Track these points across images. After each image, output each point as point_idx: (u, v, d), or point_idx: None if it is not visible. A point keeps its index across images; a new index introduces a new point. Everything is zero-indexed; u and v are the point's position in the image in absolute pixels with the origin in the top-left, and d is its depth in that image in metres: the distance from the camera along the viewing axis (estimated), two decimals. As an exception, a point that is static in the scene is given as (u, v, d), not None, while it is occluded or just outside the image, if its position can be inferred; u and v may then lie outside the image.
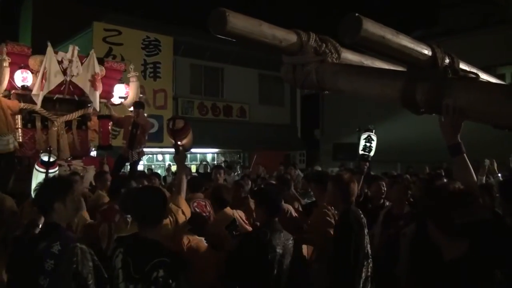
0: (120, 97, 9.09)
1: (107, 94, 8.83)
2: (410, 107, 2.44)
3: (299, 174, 12.32)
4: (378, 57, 2.99)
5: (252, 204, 5.42)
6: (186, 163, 4.78)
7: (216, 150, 22.63)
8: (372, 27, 2.18)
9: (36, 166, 5.73)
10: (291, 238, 3.95)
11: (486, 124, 2.40)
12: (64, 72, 8.02)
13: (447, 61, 2.49)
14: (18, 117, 7.73)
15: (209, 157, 22.51)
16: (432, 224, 2.27)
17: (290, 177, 9.75)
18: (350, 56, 3.00)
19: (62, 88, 8.10)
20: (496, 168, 9.09)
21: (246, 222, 5.03)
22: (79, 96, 8.49)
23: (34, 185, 5.84)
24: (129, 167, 9.25)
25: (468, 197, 2.19)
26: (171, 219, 3.90)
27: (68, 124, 8.43)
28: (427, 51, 2.44)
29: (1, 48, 7.61)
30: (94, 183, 7.41)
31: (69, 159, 8.26)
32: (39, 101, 7.68)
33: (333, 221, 4.69)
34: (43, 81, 7.64)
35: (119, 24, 18.05)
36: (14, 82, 7.60)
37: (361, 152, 7.08)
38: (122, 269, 2.85)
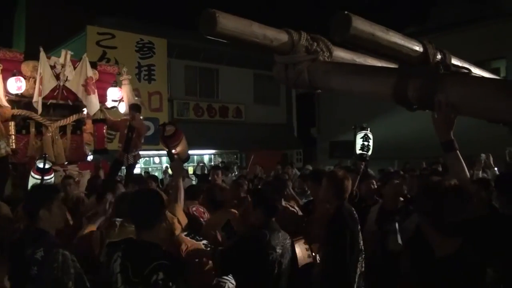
0: (114, 100, 9.04)
1: (101, 98, 8.78)
2: (403, 104, 2.43)
3: (296, 173, 12.33)
4: (371, 54, 2.98)
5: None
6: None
7: (213, 151, 22.64)
8: (361, 25, 2.17)
9: (32, 173, 5.73)
10: (289, 237, 3.96)
11: (480, 119, 2.40)
12: (57, 77, 7.98)
13: (438, 57, 2.48)
14: (11, 123, 7.67)
15: (206, 159, 22.50)
16: (425, 221, 2.27)
17: (288, 176, 9.79)
18: (342, 54, 2.99)
19: (55, 93, 8.05)
20: (492, 162, 9.11)
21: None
22: (73, 101, 8.44)
23: None
24: (125, 170, 9.22)
25: (462, 195, 2.18)
26: (166, 227, 3.87)
27: (63, 129, 8.39)
28: (418, 48, 2.43)
29: (-7, 54, 7.57)
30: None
31: (65, 164, 8.23)
32: (39, 107, 7.58)
33: None
34: (41, 86, 7.59)
35: (112, 27, 18.05)
36: (7, 88, 7.55)
37: (359, 151, 7.08)
38: (120, 273, 2.81)
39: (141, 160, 18.90)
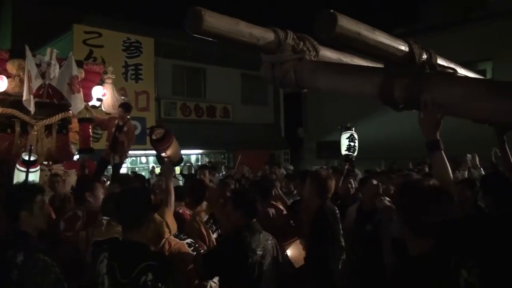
0: (98, 99, 8.96)
1: (86, 96, 8.71)
2: (389, 103, 2.44)
3: (283, 173, 12.34)
4: (357, 54, 2.99)
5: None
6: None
7: (200, 151, 22.56)
8: (347, 24, 2.17)
9: (17, 166, 5.70)
10: (271, 238, 3.91)
11: (466, 119, 2.40)
12: (43, 75, 7.91)
13: (424, 56, 2.49)
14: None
15: (193, 158, 22.43)
16: (400, 220, 2.27)
17: (275, 176, 9.79)
18: (328, 54, 2.99)
19: (41, 92, 7.98)
20: (478, 162, 9.20)
21: None
22: (58, 100, 8.36)
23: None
24: (111, 170, 9.16)
25: (438, 195, 2.17)
26: (153, 229, 3.84)
27: (48, 128, 8.31)
28: (404, 47, 2.44)
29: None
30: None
31: (50, 163, 8.16)
32: (32, 106, 7.47)
33: None
34: (31, 84, 7.49)
35: (99, 26, 17.89)
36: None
37: (345, 152, 7.10)
38: (107, 274, 2.77)
39: (128, 160, 18.80)
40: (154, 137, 4.27)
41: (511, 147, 3.58)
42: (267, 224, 4.66)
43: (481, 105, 2.13)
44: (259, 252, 3.69)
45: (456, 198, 2.41)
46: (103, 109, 9.13)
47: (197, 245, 4.21)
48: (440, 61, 2.62)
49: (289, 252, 4.84)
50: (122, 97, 10.00)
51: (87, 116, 8.91)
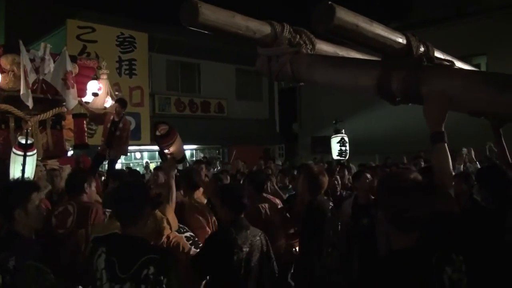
0: (93, 94, 8.92)
1: (80, 92, 8.66)
2: (386, 96, 2.43)
3: (279, 168, 12.35)
4: (353, 47, 2.98)
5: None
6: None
7: (194, 146, 22.54)
8: (345, 15, 2.16)
9: (14, 149, 5.63)
10: (260, 233, 3.86)
11: (462, 112, 2.40)
12: (37, 70, 7.85)
13: (422, 49, 2.49)
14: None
15: (188, 154, 22.39)
16: (381, 214, 2.22)
17: (270, 171, 9.79)
18: (325, 47, 2.98)
19: (35, 87, 7.92)
20: (473, 156, 9.23)
21: None
22: (52, 95, 8.30)
23: (13, 169, 5.74)
24: (106, 165, 9.14)
25: (419, 189, 2.11)
26: (153, 225, 3.82)
27: (43, 124, 8.27)
28: (401, 40, 2.43)
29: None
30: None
31: (39, 159, 8.11)
32: (30, 100, 7.37)
33: None
34: (27, 79, 7.43)
35: (93, 21, 17.78)
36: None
37: (336, 157, 7.07)
38: (105, 270, 2.72)
39: (122, 155, 18.73)
40: (158, 133, 4.24)
41: (507, 140, 3.58)
42: (259, 220, 4.68)
43: (478, 97, 2.12)
44: (246, 249, 3.64)
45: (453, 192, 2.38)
46: (99, 105, 9.08)
47: (196, 239, 4.20)
48: (437, 54, 2.62)
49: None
50: (117, 93, 9.95)
51: (82, 111, 8.87)
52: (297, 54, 2.74)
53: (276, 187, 7.06)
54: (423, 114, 2.30)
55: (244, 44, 2.69)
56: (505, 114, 2.25)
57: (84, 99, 8.88)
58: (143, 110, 18.54)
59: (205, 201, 5.33)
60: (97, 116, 8.98)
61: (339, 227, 4.70)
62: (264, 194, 5.65)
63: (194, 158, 21.28)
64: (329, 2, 2.14)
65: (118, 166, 12.06)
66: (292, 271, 4.93)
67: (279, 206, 5.61)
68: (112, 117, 8.54)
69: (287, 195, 6.84)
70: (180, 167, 15.07)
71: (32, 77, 7.74)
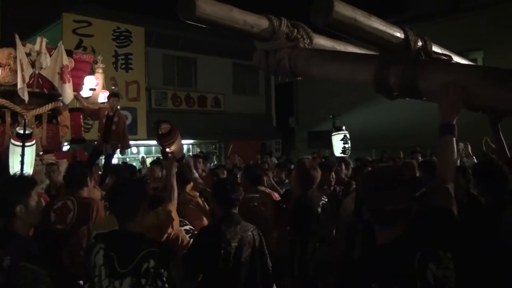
0: (91, 89, 8.91)
1: (77, 86, 8.65)
2: (383, 91, 2.42)
3: (275, 162, 12.36)
4: (351, 42, 2.98)
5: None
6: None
7: (191, 141, 22.49)
8: (343, 9, 2.16)
9: (12, 140, 5.61)
10: (252, 229, 3.83)
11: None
12: (33, 64, 7.83)
13: (419, 43, 2.48)
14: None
15: (184, 149, 22.32)
16: (365, 208, 2.21)
17: (267, 166, 9.80)
18: (322, 42, 2.98)
19: (31, 81, 7.91)
20: (470, 151, 9.24)
21: None
22: (48, 90, 8.29)
23: (12, 161, 5.71)
24: (103, 160, 9.14)
25: (398, 182, 2.10)
26: (155, 221, 3.82)
27: (39, 118, 8.24)
28: (399, 34, 2.43)
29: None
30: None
31: (40, 153, 8.09)
32: (25, 95, 7.41)
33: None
34: (23, 73, 7.41)
35: (89, 15, 17.70)
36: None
37: (340, 154, 7.01)
38: (104, 266, 2.71)
39: (118, 150, 18.69)
40: (160, 132, 4.24)
41: (505, 135, 3.59)
42: (250, 211, 4.68)
43: (476, 91, 2.12)
44: (234, 244, 3.63)
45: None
46: (96, 100, 9.08)
47: (195, 232, 4.20)
48: (435, 48, 2.61)
49: None
50: (113, 87, 9.94)
51: (78, 106, 8.85)
52: (294, 49, 2.74)
53: (272, 181, 7.06)
54: (438, 105, 2.24)
55: (241, 39, 2.68)
56: (504, 108, 2.25)
57: (81, 94, 8.88)
58: (140, 104, 18.50)
59: (197, 194, 5.39)
60: (92, 111, 8.98)
61: (331, 222, 4.67)
62: (261, 187, 5.64)
63: (190, 153, 21.24)
64: (328, -4, 2.13)
65: (114, 161, 12.04)
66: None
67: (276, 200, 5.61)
68: (106, 112, 8.54)
69: (284, 189, 6.84)
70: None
71: (28, 72, 7.73)
